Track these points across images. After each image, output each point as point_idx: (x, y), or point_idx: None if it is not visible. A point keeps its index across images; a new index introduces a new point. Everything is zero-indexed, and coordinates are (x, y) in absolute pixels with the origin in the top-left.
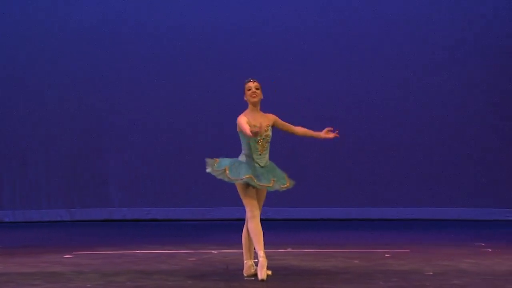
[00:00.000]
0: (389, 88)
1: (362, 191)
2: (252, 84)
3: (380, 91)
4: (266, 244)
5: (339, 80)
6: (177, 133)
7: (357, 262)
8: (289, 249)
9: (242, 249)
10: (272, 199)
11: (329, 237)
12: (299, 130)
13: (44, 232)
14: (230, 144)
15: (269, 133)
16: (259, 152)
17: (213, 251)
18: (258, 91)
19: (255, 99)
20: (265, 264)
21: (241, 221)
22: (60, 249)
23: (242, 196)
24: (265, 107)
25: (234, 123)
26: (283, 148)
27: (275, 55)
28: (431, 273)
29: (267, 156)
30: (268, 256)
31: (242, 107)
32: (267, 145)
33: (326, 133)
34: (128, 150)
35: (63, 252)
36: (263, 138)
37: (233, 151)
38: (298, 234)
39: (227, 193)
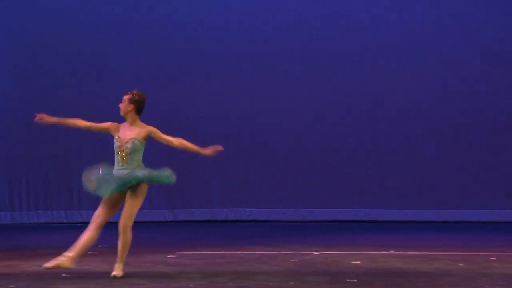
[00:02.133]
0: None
1: (469, 194)
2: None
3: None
4: (369, 246)
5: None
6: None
7: (461, 265)
8: (392, 251)
9: (343, 251)
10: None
11: (431, 239)
12: (177, 143)
13: (148, 232)
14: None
15: (130, 145)
16: (120, 163)
17: (314, 252)
18: (122, 105)
19: (121, 113)
20: (63, 260)
21: (343, 223)
22: (164, 249)
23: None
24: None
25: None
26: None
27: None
28: None
29: (130, 168)
30: (371, 258)
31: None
32: (129, 158)
33: (205, 150)
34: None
35: (167, 252)
36: (122, 150)
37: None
38: (400, 236)
39: (329, 195)
